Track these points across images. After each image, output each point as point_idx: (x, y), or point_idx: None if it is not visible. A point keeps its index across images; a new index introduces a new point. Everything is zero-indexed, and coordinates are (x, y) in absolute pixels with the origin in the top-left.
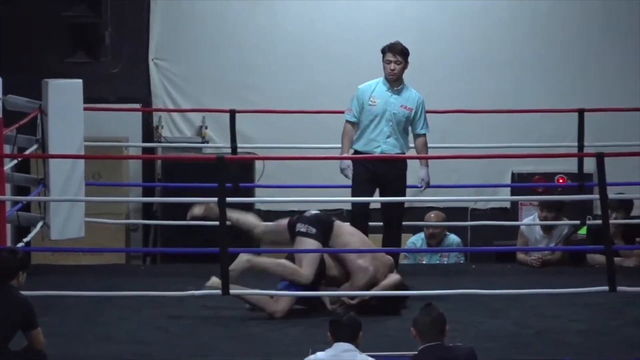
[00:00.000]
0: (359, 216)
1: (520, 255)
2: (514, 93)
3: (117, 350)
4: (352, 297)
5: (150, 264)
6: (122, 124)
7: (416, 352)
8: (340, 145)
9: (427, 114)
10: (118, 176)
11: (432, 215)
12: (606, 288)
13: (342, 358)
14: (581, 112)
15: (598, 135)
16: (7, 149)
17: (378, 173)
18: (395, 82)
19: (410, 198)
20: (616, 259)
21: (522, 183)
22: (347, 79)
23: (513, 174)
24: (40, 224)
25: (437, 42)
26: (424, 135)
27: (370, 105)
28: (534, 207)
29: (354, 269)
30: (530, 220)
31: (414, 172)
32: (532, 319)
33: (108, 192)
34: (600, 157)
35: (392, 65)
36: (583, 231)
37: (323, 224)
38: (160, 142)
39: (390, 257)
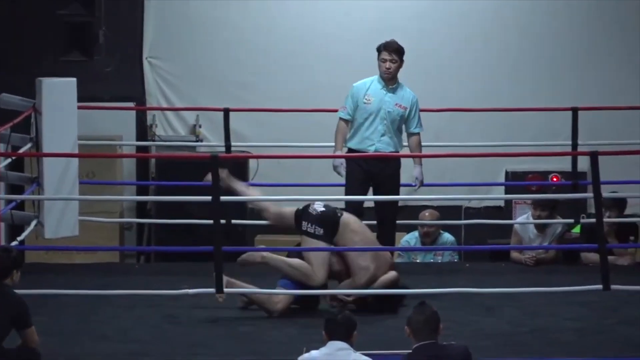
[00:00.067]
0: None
1: (514, 254)
2: (508, 92)
3: (111, 348)
4: (349, 295)
5: (144, 262)
6: (116, 123)
7: (410, 351)
8: (332, 143)
9: (421, 113)
10: (112, 175)
11: (427, 213)
12: (600, 287)
13: (336, 356)
14: (575, 111)
15: (592, 133)
16: (1, 148)
17: (372, 171)
18: (390, 80)
19: (404, 197)
20: (610, 257)
21: (516, 182)
22: (341, 78)
23: (507, 173)
24: (34, 222)
25: (431, 41)
26: (418, 134)
27: (365, 103)
28: (528, 205)
29: (354, 268)
30: (524, 219)
31: (408, 171)
32: (526, 317)
33: (102, 190)
34: (594, 156)
35: (388, 64)
36: (577, 230)
37: (329, 223)
38: (154, 140)
39: (390, 256)
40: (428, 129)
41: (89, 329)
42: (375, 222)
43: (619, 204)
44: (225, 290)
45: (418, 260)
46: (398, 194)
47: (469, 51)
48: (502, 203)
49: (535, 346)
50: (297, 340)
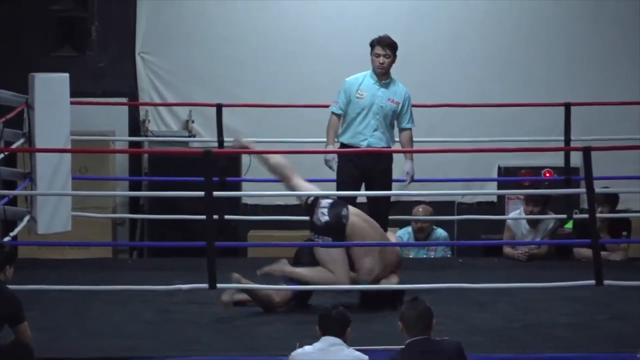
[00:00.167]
0: None
1: (507, 249)
2: (501, 87)
3: (104, 344)
4: None
5: (137, 258)
6: (109, 118)
7: (403, 346)
8: (324, 139)
9: (415, 109)
10: (105, 170)
11: (420, 209)
12: (593, 282)
13: (329, 352)
14: (568, 106)
15: (585, 129)
16: None
17: (364, 167)
18: (383, 75)
19: (397, 192)
20: (602, 252)
21: (508, 177)
22: (334, 74)
23: (500, 168)
24: (26, 218)
25: (424, 37)
26: (410, 129)
27: (357, 98)
28: (521, 201)
29: (360, 268)
30: (516, 215)
31: (400, 166)
32: (519, 312)
33: (95, 186)
34: (587, 151)
35: (381, 59)
36: (569, 225)
37: (336, 232)
38: (147, 136)
39: (399, 253)
40: (421, 125)
41: (82, 325)
42: None
43: (612, 200)
44: (219, 285)
45: (411, 256)
46: (390, 190)
47: (462, 47)
48: (495, 198)
49: (528, 341)
50: (290, 335)
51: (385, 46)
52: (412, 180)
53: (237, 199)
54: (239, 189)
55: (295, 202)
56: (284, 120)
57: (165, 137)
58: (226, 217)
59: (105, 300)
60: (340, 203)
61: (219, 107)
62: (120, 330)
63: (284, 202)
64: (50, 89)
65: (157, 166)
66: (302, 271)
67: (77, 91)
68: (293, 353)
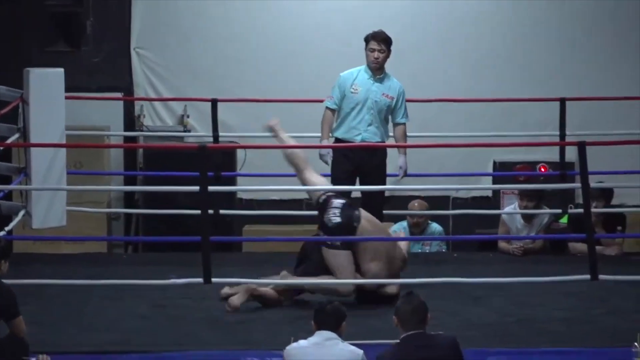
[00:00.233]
0: None
1: (502, 244)
2: (496, 82)
3: (99, 338)
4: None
5: (132, 252)
6: (104, 113)
7: (398, 341)
8: (319, 134)
9: (409, 103)
10: (100, 165)
11: (416, 204)
12: (588, 277)
13: (324, 346)
14: (563, 101)
15: (580, 124)
16: None
17: (358, 161)
18: (377, 70)
19: (392, 187)
20: (597, 247)
21: (503, 172)
22: (329, 69)
23: (495, 163)
24: (21, 212)
25: (419, 31)
26: (404, 124)
27: (352, 92)
28: (516, 196)
29: (366, 272)
30: (511, 209)
31: (394, 161)
32: (514, 307)
33: (90, 181)
34: (582, 146)
35: (376, 54)
36: (564, 220)
37: (346, 233)
38: (142, 131)
39: (405, 258)
40: (416, 120)
41: (77, 319)
42: None
43: (606, 194)
44: (214, 280)
45: None
46: (384, 184)
47: (457, 42)
48: (489, 193)
49: (523, 336)
50: (285, 330)
51: (380, 41)
52: (405, 174)
53: (232, 193)
54: (233, 183)
55: (290, 197)
56: (279, 115)
57: (161, 132)
58: (221, 211)
59: (101, 295)
60: (352, 205)
61: (214, 102)
62: (115, 325)
63: (279, 197)
64: (46, 84)
65: (152, 161)
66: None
67: (72, 86)
68: (288, 347)
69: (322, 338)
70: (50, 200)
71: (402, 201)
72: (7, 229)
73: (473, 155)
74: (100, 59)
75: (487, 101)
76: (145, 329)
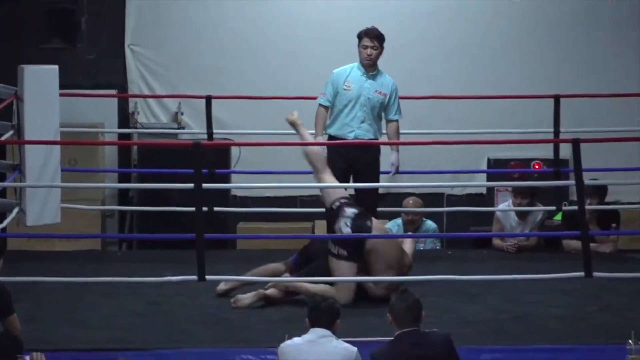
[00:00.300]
0: None
1: (496, 241)
2: (490, 79)
3: (93, 336)
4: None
5: (127, 250)
6: (98, 110)
7: (392, 338)
8: (314, 131)
9: (404, 100)
10: (94, 162)
11: (411, 201)
12: (582, 274)
13: (318, 343)
14: (557, 98)
15: (574, 121)
16: None
17: (352, 158)
18: (370, 67)
19: (387, 184)
20: (591, 244)
21: (497, 169)
22: (323, 65)
23: (489, 160)
24: (15, 209)
25: (413, 28)
26: (397, 121)
27: (344, 89)
28: (510, 193)
29: (378, 283)
30: (505, 206)
31: (387, 158)
32: (508, 304)
33: (84, 178)
34: (576, 143)
35: (369, 51)
36: (558, 217)
37: (354, 247)
38: (136, 128)
39: (410, 260)
40: (410, 117)
41: (72, 316)
42: None
43: (601, 191)
44: (208, 277)
45: None
46: (378, 181)
47: (451, 39)
48: (484, 190)
49: (517, 333)
50: (279, 327)
51: (373, 38)
52: (397, 171)
53: (227, 190)
54: (228, 180)
55: (284, 194)
56: (273, 112)
57: (155, 129)
58: (215, 209)
59: (95, 292)
60: (365, 215)
61: (209, 99)
62: (109, 322)
63: (273, 194)
64: (40, 81)
65: (147, 158)
66: (306, 286)
67: (67, 83)
68: (282, 345)
69: (316, 335)
70: (44, 197)
71: (397, 198)
72: (1, 226)
73: (467, 152)
74: (95, 56)
75: (482, 98)
76: (140, 327)
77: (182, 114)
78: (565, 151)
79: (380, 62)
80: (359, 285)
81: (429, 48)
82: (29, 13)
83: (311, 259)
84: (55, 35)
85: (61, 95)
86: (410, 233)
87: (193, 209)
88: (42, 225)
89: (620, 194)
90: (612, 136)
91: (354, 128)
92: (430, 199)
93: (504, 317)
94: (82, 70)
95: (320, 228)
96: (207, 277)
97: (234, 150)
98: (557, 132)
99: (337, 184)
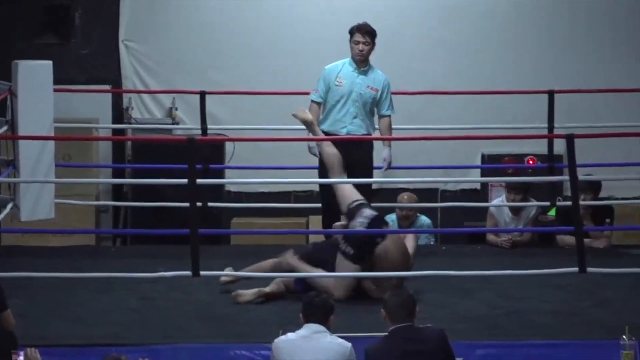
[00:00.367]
0: (330, 200)
1: (490, 237)
2: (485, 74)
3: (87, 331)
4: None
5: (121, 245)
6: (92, 106)
7: (386, 334)
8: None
9: (398, 96)
10: (88, 157)
11: (405, 196)
12: (576, 269)
13: (312, 339)
14: (551, 94)
15: (569, 116)
16: None
17: (345, 154)
18: (362, 62)
19: (381, 179)
20: (585, 240)
21: (491, 164)
22: (316, 61)
23: (483, 156)
24: (9, 205)
25: (407, 23)
26: (389, 116)
27: (336, 85)
28: (503, 188)
29: (384, 284)
30: (498, 202)
31: (379, 153)
32: (502, 300)
33: (78, 173)
34: (570, 139)
35: (361, 46)
36: (552, 212)
37: (363, 248)
38: (130, 123)
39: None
40: (404, 112)
41: (65, 312)
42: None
43: (595, 187)
44: (202, 272)
45: None
46: (371, 176)
47: (446, 34)
48: (478, 186)
49: (511, 329)
50: (274, 322)
51: (364, 33)
52: (390, 167)
53: (221, 186)
54: (222, 176)
55: (278, 189)
56: (267, 107)
57: (149, 124)
58: (209, 204)
59: (88, 288)
60: (382, 221)
61: (203, 95)
62: (103, 318)
63: (267, 190)
64: (34, 76)
65: (141, 154)
66: (306, 269)
67: (61, 78)
68: (276, 340)
69: (311, 331)
70: (38, 192)
71: (391, 194)
72: None
73: (461, 147)
74: (89, 52)
75: (476, 93)
76: (134, 322)
77: (176, 109)
78: (560, 146)
79: (377, 58)
80: (360, 287)
81: (423, 44)
82: (23, 8)
83: (323, 252)
84: (49, 30)
85: (55, 90)
86: (428, 228)
87: (187, 204)
88: (36, 220)
89: (614, 190)
90: (607, 131)
91: (346, 124)
92: (424, 194)
93: (498, 312)
94: (76, 66)
95: (315, 223)
96: (201, 272)
97: (228, 146)
98: (551, 128)
99: (351, 188)
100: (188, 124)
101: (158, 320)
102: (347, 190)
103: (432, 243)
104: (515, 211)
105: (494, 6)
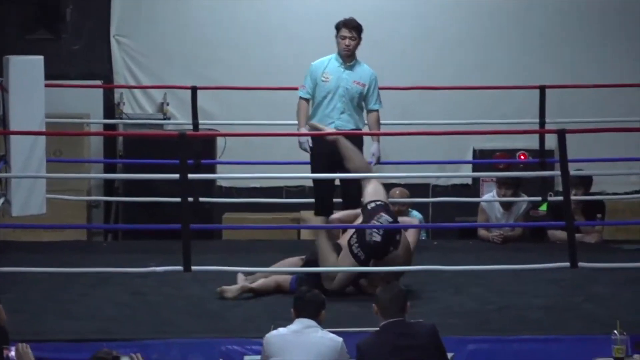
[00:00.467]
0: (323, 195)
1: (482, 232)
2: (476, 70)
3: (79, 326)
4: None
5: (112, 240)
6: (84, 101)
7: (377, 329)
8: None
9: (390, 91)
10: (79, 153)
11: (397, 192)
12: (567, 264)
13: (304, 334)
14: (542, 89)
15: (560, 112)
16: None
17: (334, 149)
18: (348, 57)
19: (372, 175)
20: (577, 235)
21: (483, 159)
22: (307, 56)
23: (475, 151)
24: (1, 200)
25: (399, 19)
26: (377, 110)
27: (323, 81)
28: (495, 183)
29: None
30: (489, 197)
31: (368, 148)
32: (493, 295)
33: (69, 168)
34: (561, 134)
35: (347, 41)
36: (544, 207)
37: (377, 252)
38: (121, 118)
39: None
40: (396, 107)
41: (57, 307)
42: (340, 199)
43: (586, 182)
44: (193, 267)
45: None
46: None
47: (437, 30)
48: (469, 181)
49: (503, 323)
50: (265, 317)
51: (351, 28)
52: (379, 161)
53: (212, 181)
54: (213, 171)
55: (270, 184)
56: (259, 102)
57: (140, 119)
58: (201, 199)
59: (81, 283)
60: (396, 230)
61: (194, 90)
62: (95, 313)
63: (258, 185)
64: (25, 71)
65: (132, 149)
66: (324, 246)
67: (52, 74)
68: (268, 335)
69: (302, 326)
70: (30, 188)
71: None
72: None
73: (453, 143)
74: (80, 47)
75: (467, 89)
76: (126, 317)
77: (167, 104)
78: (551, 142)
79: (369, 53)
80: (355, 282)
81: (415, 39)
82: (15, 4)
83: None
84: (40, 25)
85: (46, 85)
86: (420, 223)
87: (179, 199)
88: (28, 215)
89: (606, 185)
90: (598, 127)
91: (334, 119)
92: (416, 189)
93: (489, 307)
94: (67, 61)
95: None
96: (193, 267)
97: (220, 141)
98: (542, 123)
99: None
100: (179, 119)
101: (150, 315)
102: (367, 190)
103: (423, 238)
104: (506, 206)
105: (485, 2)
